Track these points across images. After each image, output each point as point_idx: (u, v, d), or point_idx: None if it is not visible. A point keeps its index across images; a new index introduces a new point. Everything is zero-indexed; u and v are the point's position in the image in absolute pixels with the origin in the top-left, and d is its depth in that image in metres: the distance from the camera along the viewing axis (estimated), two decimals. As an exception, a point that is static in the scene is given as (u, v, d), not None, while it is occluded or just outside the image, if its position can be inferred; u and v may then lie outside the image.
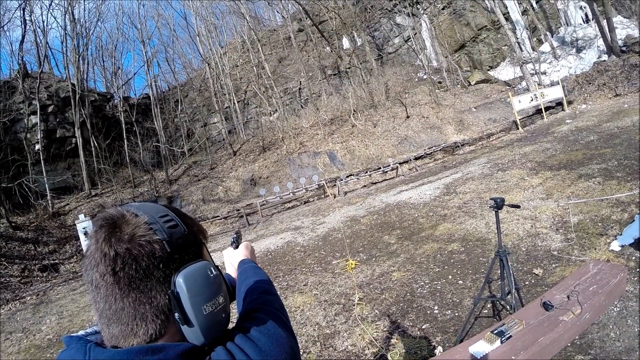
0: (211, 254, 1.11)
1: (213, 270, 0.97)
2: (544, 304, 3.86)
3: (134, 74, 43.14)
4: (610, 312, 4.37)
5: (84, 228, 15.46)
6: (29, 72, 29.94)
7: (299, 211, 18.12)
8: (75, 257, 17.69)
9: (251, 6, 47.08)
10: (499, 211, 4.31)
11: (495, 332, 3.50)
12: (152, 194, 25.09)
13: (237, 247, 1.55)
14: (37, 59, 31.43)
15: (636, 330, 3.99)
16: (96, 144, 28.82)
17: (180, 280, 0.89)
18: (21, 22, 28.97)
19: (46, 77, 30.13)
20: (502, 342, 3.41)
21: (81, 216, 16.27)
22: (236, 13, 43.49)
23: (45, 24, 32.70)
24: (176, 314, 0.88)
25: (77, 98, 28.31)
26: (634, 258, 5.32)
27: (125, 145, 30.80)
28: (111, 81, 39.48)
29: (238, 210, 20.34)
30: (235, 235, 1.60)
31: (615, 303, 4.45)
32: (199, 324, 0.90)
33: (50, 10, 32.43)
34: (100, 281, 0.86)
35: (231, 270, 1.51)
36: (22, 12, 28.53)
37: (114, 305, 0.86)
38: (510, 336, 3.46)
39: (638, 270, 5.02)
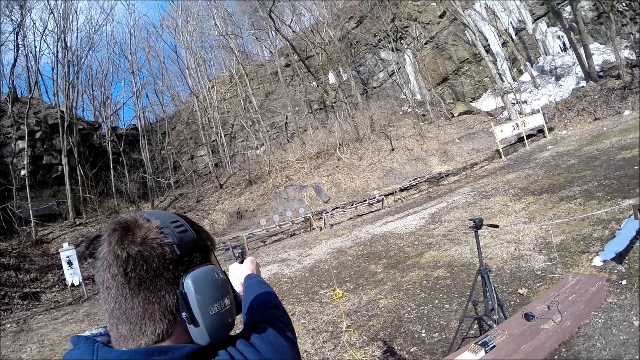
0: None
1: (220, 274, 1.00)
2: (526, 315, 3.95)
3: (123, 104, 43.38)
4: (595, 324, 4.42)
5: (67, 257, 15.16)
6: (19, 96, 29.76)
7: (285, 244, 18.03)
8: (57, 286, 17.22)
9: (240, 41, 47.85)
10: (479, 231, 4.53)
11: (479, 343, 3.54)
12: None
13: (242, 261, 1.57)
14: (28, 84, 31.26)
15: (622, 338, 4.04)
16: (82, 173, 28.46)
17: (188, 281, 0.91)
18: (14, 46, 28.97)
19: (35, 103, 29.90)
20: (486, 352, 3.47)
21: (65, 244, 15.92)
22: (225, 47, 44.00)
23: (37, 49, 32.50)
24: (183, 314, 0.90)
25: (65, 126, 28.07)
26: (616, 271, 5.39)
27: (112, 175, 30.60)
28: (100, 110, 39.35)
29: (224, 243, 20.16)
30: (240, 250, 1.62)
31: (598, 314, 4.52)
32: (205, 324, 0.91)
33: (44, 37, 32.48)
34: (112, 281, 0.89)
35: (237, 284, 1.51)
36: (15, 36, 28.61)
37: (124, 305, 0.88)
38: (494, 346, 3.51)
39: (620, 282, 5.07)
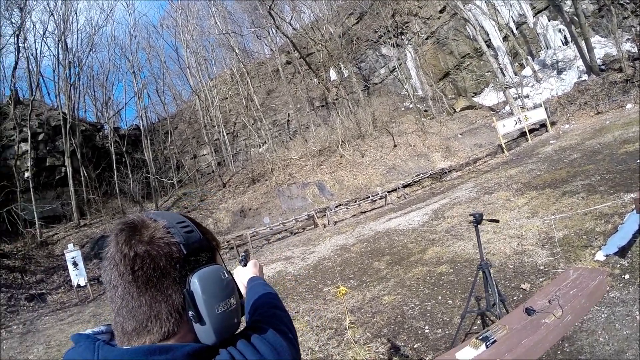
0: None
1: (226, 274, 1.02)
2: (526, 310, 4.01)
3: (125, 105, 43.15)
4: (598, 319, 4.43)
5: (72, 258, 15.22)
6: (21, 99, 29.70)
7: (289, 241, 18.05)
8: (62, 287, 17.22)
9: (240, 39, 47.82)
10: (480, 226, 4.62)
11: (480, 338, 3.59)
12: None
13: (245, 265, 1.58)
14: (29, 86, 31.35)
15: (625, 333, 4.05)
16: (86, 174, 28.55)
17: (195, 280, 0.93)
18: (15, 48, 28.88)
19: (37, 105, 29.88)
20: (487, 347, 3.52)
21: (70, 245, 15.98)
22: (225, 46, 44.10)
23: (38, 51, 32.37)
24: (190, 312, 0.92)
25: (67, 127, 28.14)
26: (618, 266, 5.39)
27: (115, 176, 30.63)
28: (102, 111, 39.32)
29: (228, 241, 20.20)
30: (244, 254, 1.63)
31: (601, 309, 4.53)
32: (211, 323, 0.93)
33: (44, 39, 32.46)
34: (119, 280, 0.90)
35: (241, 287, 1.52)
36: (16, 38, 28.52)
37: (130, 303, 0.90)
38: (495, 340, 3.56)
39: (623, 276, 5.09)
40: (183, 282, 0.93)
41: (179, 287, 0.92)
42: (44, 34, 32.31)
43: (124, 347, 0.90)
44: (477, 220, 4.51)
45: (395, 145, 26.99)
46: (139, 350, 0.86)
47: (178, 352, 0.86)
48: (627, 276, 5.05)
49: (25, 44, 30.50)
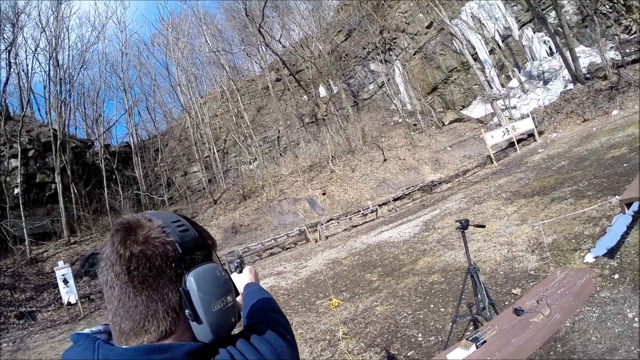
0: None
1: (222, 272, 1.02)
2: (515, 310, 4.11)
3: (116, 122, 43.17)
4: (590, 318, 4.46)
5: (63, 275, 15.11)
6: (11, 114, 29.76)
7: (281, 257, 18.02)
8: (53, 305, 17.02)
9: (230, 57, 48.12)
10: (471, 234, 4.67)
11: (470, 339, 3.63)
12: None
13: (241, 271, 1.59)
14: (20, 102, 31.37)
15: (616, 331, 4.08)
16: (76, 191, 28.49)
17: (191, 279, 0.93)
18: (6, 64, 28.95)
19: (28, 121, 29.88)
20: (477, 347, 3.58)
21: (60, 262, 15.88)
22: (216, 64, 44.44)
23: (29, 67, 32.63)
24: (187, 311, 0.92)
25: (58, 144, 28.07)
26: (608, 266, 5.43)
27: (105, 193, 30.61)
28: (92, 128, 39.44)
29: (220, 258, 20.06)
30: (238, 260, 1.64)
31: (592, 309, 4.56)
32: (208, 321, 0.93)
33: (36, 55, 32.53)
34: (115, 280, 0.91)
35: None
36: (7, 54, 28.60)
37: (127, 303, 0.90)
38: (485, 341, 3.62)
39: (612, 276, 5.13)
40: (179, 281, 0.93)
41: (175, 286, 0.92)
42: (36, 50, 32.62)
43: (123, 347, 0.90)
44: (463, 226, 4.61)
45: (385, 160, 27.12)
46: (137, 349, 0.87)
47: (177, 351, 0.86)
48: (616, 276, 5.11)
49: (17, 60, 30.68)
